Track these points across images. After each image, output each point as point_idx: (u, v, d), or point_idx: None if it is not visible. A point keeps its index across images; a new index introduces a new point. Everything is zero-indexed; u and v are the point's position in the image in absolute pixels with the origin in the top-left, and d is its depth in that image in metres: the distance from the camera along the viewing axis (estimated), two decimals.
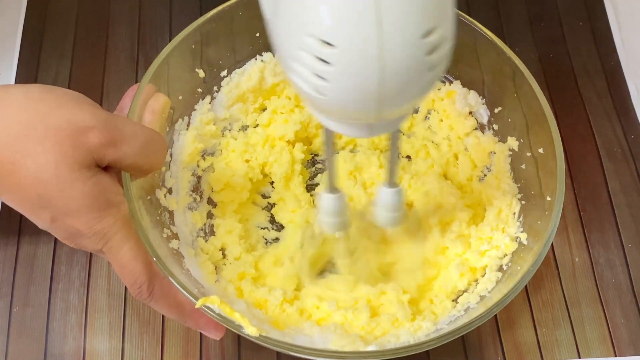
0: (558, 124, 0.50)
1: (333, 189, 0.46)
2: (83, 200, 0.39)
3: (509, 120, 0.55)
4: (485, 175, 0.58)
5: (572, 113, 0.67)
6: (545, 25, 0.72)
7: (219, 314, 0.43)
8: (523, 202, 0.53)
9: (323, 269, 0.55)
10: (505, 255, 0.51)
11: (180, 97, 0.55)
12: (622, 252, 0.60)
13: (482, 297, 0.49)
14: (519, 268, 0.48)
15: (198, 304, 0.42)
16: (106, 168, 0.41)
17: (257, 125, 0.61)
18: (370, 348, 0.47)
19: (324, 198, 0.47)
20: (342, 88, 0.31)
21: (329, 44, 0.29)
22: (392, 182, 0.46)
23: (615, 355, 0.56)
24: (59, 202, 0.39)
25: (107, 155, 0.40)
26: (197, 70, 0.56)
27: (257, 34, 0.57)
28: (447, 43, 0.31)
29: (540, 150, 0.51)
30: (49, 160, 0.38)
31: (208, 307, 0.43)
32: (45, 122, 0.38)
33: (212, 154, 0.59)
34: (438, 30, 0.30)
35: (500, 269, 0.51)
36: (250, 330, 0.42)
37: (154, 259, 0.43)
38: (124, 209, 0.42)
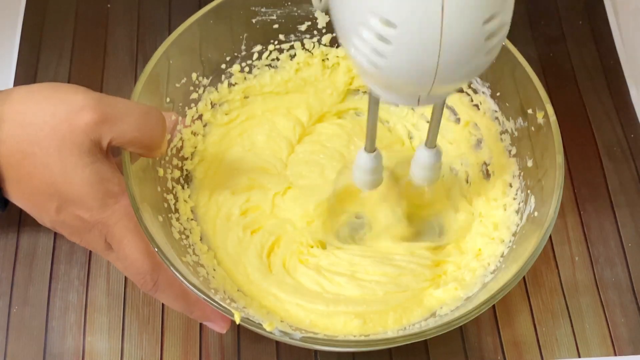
0: (558, 124, 0.50)
1: (371, 148, 0.47)
2: (82, 187, 0.40)
3: (507, 104, 0.55)
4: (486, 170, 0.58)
5: (571, 112, 0.67)
6: (545, 24, 0.72)
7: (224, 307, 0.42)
8: (521, 203, 0.53)
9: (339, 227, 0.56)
10: (503, 240, 0.51)
11: (179, 94, 0.55)
12: (622, 251, 0.60)
13: (484, 284, 0.49)
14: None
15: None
16: (110, 155, 0.42)
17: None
18: (388, 334, 0.47)
19: (361, 156, 0.48)
20: (398, 65, 0.32)
21: (391, 23, 0.30)
22: (430, 143, 0.47)
23: (615, 354, 0.56)
24: (63, 187, 0.40)
25: (104, 134, 0.40)
26: (196, 66, 0.56)
27: (258, 26, 0.57)
28: (505, 28, 0.32)
29: (540, 149, 0.51)
30: (52, 145, 0.39)
31: (214, 300, 0.42)
32: (43, 108, 0.39)
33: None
34: (498, 16, 0.30)
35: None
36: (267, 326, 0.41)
37: (155, 249, 0.43)
38: (125, 200, 0.42)
